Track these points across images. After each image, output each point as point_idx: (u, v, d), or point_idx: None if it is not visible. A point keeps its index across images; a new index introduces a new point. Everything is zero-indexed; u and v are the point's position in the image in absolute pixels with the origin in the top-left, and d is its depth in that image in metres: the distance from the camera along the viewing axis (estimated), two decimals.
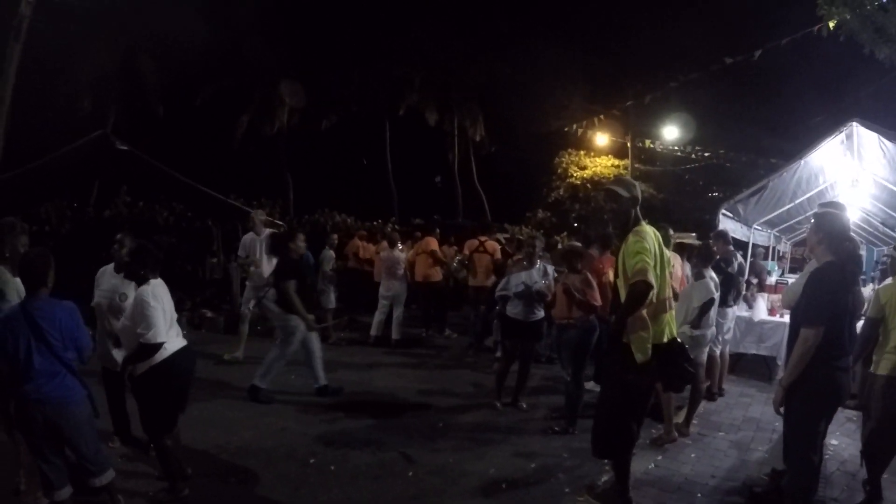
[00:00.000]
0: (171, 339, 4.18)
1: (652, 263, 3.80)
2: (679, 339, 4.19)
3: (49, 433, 3.56)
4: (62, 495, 3.67)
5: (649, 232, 4.00)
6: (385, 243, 10.63)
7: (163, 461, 4.24)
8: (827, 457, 4.14)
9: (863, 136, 7.88)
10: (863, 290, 6.18)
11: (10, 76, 10.83)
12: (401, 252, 10.48)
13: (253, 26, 23.38)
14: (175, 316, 4.34)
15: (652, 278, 3.74)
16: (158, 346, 3.97)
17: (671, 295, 4.17)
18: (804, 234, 13.15)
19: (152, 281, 4.14)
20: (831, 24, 7.60)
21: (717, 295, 6.05)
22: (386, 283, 10.16)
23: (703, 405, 6.49)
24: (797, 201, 9.96)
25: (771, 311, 8.44)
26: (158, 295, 4.05)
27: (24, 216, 5.01)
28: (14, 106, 11.22)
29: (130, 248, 4.56)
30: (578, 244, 6.44)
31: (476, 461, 5.22)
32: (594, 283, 5.98)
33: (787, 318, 7.98)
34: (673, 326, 4.12)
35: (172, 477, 4.23)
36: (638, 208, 4.11)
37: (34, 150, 9.41)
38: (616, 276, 4.11)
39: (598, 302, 5.94)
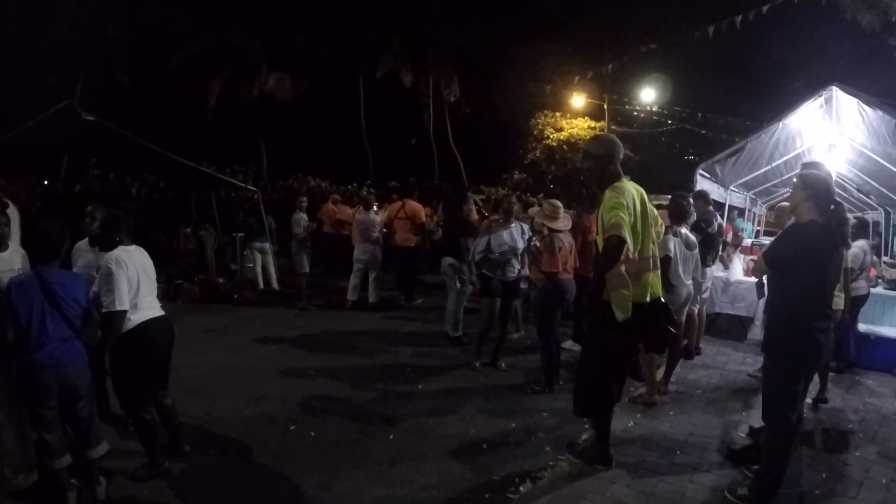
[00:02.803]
0: (142, 308, 4.02)
1: (628, 219, 3.73)
2: (664, 300, 4.17)
3: (63, 398, 3.65)
4: (63, 462, 3.68)
5: (628, 187, 3.92)
6: (361, 206, 10.47)
7: (142, 436, 4.14)
8: (805, 415, 4.18)
9: (842, 101, 7.87)
10: None
11: None
12: (376, 215, 10.35)
13: None
14: (152, 286, 4.20)
15: (626, 233, 3.67)
16: (120, 314, 3.83)
17: (656, 253, 4.13)
18: (779, 198, 13.26)
19: (121, 247, 4.00)
20: None
21: (685, 252, 5.96)
22: (360, 247, 10.02)
23: (681, 363, 6.55)
24: (774, 164, 9.97)
25: (746, 272, 8.52)
26: (123, 261, 3.90)
27: None
28: None
29: (101, 219, 4.41)
30: (557, 202, 6.38)
31: (456, 423, 5.23)
32: (556, 248, 5.94)
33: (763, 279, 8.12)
34: (658, 286, 4.10)
35: (153, 452, 4.15)
36: (617, 164, 4.03)
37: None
38: (597, 233, 4.06)
39: (551, 268, 5.90)
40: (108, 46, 22.49)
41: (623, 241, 3.65)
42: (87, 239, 4.74)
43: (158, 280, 4.34)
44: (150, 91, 24.24)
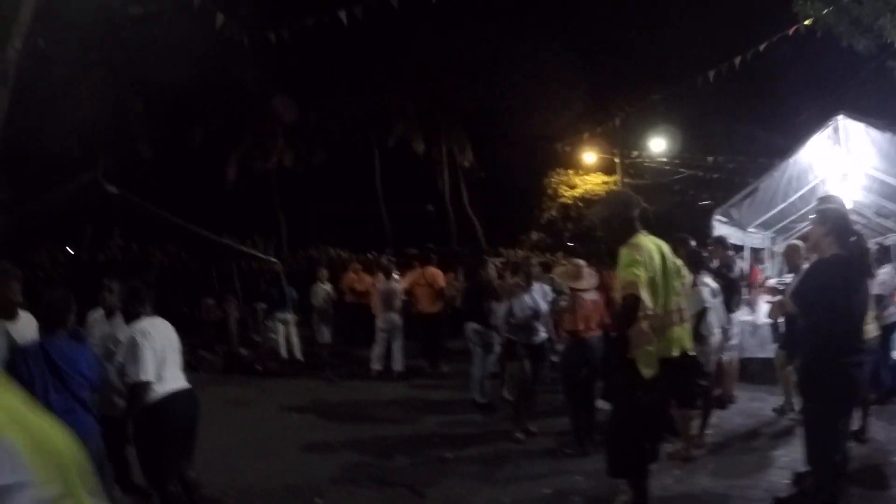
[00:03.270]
0: (166, 380, 4.02)
1: (644, 275, 3.67)
2: (693, 353, 4.07)
3: None
4: None
5: (645, 242, 3.88)
6: (381, 275, 10.48)
7: None
8: (851, 454, 4.01)
9: (850, 128, 7.89)
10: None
11: None
12: (397, 283, 10.33)
13: (242, 66, 23.59)
14: (177, 357, 4.21)
15: (641, 290, 3.61)
16: (145, 384, 3.83)
17: (683, 306, 4.05)
18: (800, 233, 13.13)
19: (145, 319, 4.03)
20: (807, 22, 7.64)
21: (713, 302, 5.91)
22: (383, 316, 9.92)
23: (717, 413, 6.35)
24: (789, 200, 9.93)
25: None
26: (148, 332, 3.94)
27: (17, 262, 4.93)
28: (2, 151, 11.16)
29: (119, 291, 4.46)
30: (581, 261, 6.35)
31: (489, 490, 5.05)
32: (577, 306, 5.88)
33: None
34: (686, 340, 4.00)
35: None
36: (632, 220, 3.98)
37: (24, 194, 9.36)
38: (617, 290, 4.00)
39: (573, 326, 5.84)
40: (131, 120, 23.26)
41: (638, 299, 3.59)
42: (102, 311, 4.76)
43: (181, 350, 4.35)
44: (171, 164, 24.90)
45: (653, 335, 3.74)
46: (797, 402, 6.43)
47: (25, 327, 3.89)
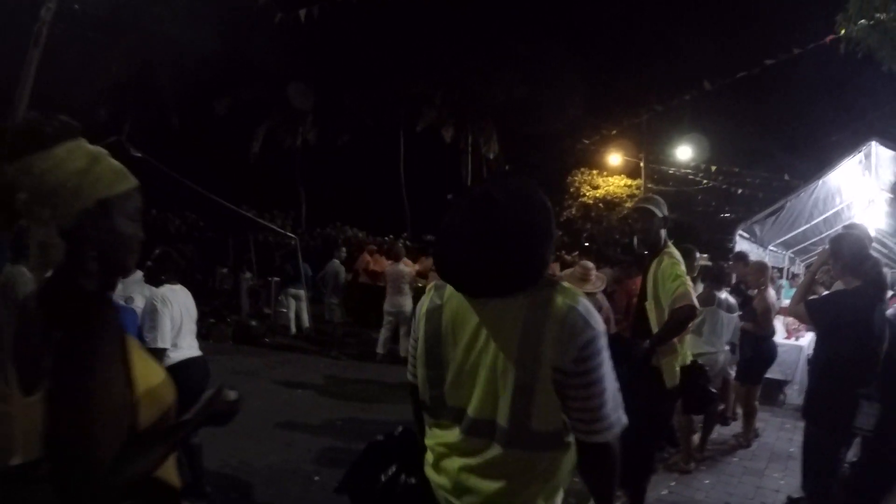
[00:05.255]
0: (181, 347, 4.13)
1: (691, 287, 3.69)
2: (699, 361, 4.09)
3: None
4: None
5: (678, 254, 3.89)
6: (392, 258, 10.50)
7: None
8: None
9: (881, 155, 7.80)
10: None
11: (28, 81, 10.91)
12: (405, 267, 10.31)
13: (273, 41, 23.65)
14: (193, 326, 4.29)
15: (696, 302, 3.63)
16: (161, 351, 3.91)
17: None
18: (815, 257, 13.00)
19: (167, 286, 4.11)
20: (845, 39, 7.51)
21: (729, 317, 5.89)
22: (390, 299, 9.94)
23: (717, 430, 6.34)
24: (813, 222, 9.83)
25: (787, 334, 8.28)
26: (168, 299, 4.03)
27: None
28: (30, 111, 11.30)
29: (154, 254, 4.55)
30: (590, 264, 6.32)
31: None
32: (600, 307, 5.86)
33: (801, 342, 7.88)
34: (687, 348, 4.03)
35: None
36: (666, 228, 3.99)
37: None
38: (642, 297, 3.96)
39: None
40: (159, 88, 23.41)
41: (695, 311, 3.60)
42: None
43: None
44: (197, 133, 25.04)
45: (677, 345, 3.77)
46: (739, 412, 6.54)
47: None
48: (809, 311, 3.74)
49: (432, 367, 1.77)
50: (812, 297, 3.96)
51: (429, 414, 1.84)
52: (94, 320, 1.35)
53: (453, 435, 1.74)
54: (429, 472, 1.82)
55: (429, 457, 1.83)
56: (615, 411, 1.68)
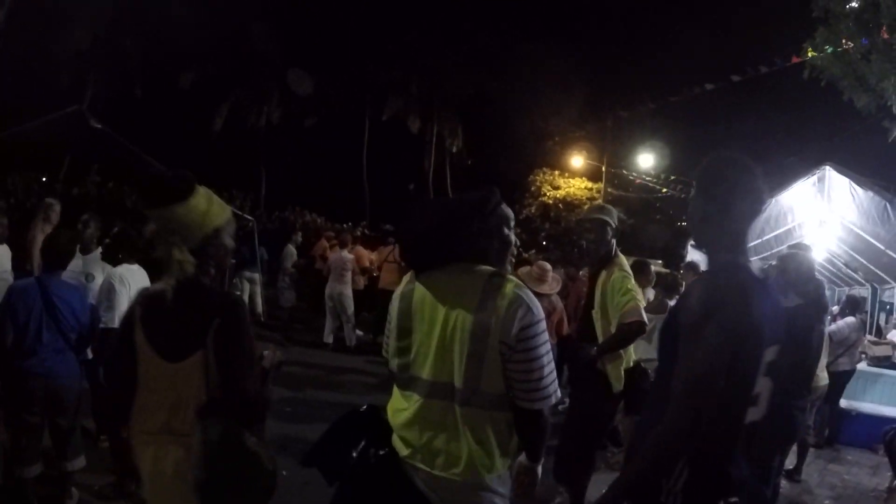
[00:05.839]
0: None
1: (641, 300, 3.82)
2: (647, 368, 4.20)
3: (47, 408, 3.63)
4: (32, 472, 3.63)
5: (627, 266, 4.01)
6: (336, 245, 10.39)
7: (116, 455, 4.06)
8: (781, 491, 4.18)
9: (834, 180, 8.05)
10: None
11: None
12: (349, 255, 10.18)
13: (244, 15, 23.18)
14: None
15: (645, 317, 3.75)
16: (113, 331, 3.85)
17: None
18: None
19: (124, 265, 4.05)
20: (809, 66, 7.76)
21: None
22: (330, 285, 9.76)
23: None
24: (764, 238, 10.12)
25: None
26: (126, 279, 3.97)
27: None
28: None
29: (95, 228, 4.47)
30: (546, 264, 6.39)
31: None
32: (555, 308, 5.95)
33: None
34: (632, 350, 4.14)
35: (123, 471, 4.07)
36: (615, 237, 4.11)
37: (6, 121, 9.16)
38: (589, 304, 4.05)
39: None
40: (123, 57, 22.76)
41: (644, 326, 3.72)
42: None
43: None
44: (161, 106, 24.49)
45: (624, 352, 3.89)
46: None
47: (2, 258, 3.90)
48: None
49: (402, 338, 2.14)
50: None
51: (397, 384, 2.18)
52: (239, 308, 2.15)
53: (417, 400, 2.07)
54: (396, 443, 2.11)
55: (396, 426, 2.12)
56: (551, 385, 2.00)
